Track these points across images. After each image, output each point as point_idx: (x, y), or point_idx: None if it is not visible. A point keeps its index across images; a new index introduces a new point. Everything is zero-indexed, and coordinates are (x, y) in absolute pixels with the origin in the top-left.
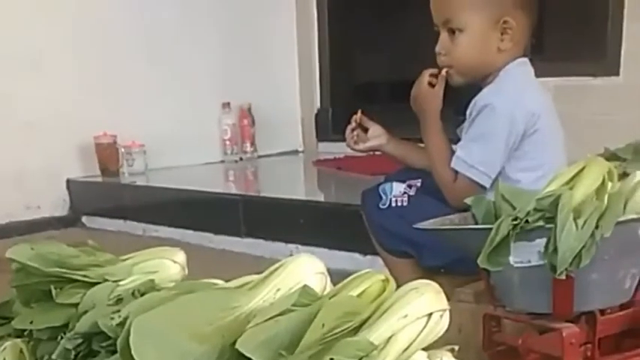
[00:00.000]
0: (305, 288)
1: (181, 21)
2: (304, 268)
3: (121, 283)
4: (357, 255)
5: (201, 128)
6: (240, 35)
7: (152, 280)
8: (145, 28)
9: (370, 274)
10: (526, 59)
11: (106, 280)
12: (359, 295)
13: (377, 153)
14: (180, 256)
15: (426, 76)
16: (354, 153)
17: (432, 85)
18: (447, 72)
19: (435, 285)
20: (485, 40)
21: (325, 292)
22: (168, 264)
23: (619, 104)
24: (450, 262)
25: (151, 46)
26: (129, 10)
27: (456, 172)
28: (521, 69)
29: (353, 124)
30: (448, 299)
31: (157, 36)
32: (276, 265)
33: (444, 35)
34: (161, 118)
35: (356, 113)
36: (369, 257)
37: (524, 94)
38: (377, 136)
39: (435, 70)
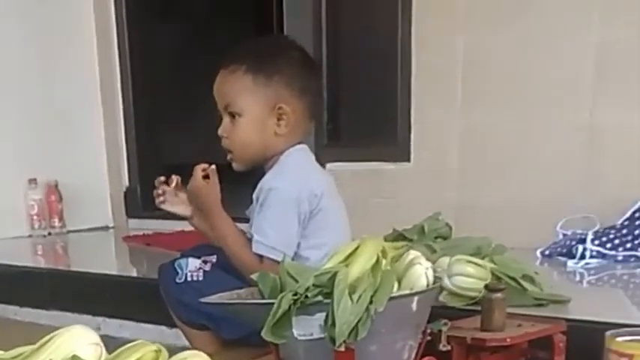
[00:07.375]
0: (74, 358)
1: None
2: (78, 339)
3: None
4: (163, 327)
5: (8, 203)
6: (46, 114)
7: None
8: None
9: (143, 344)
10: (305, 146)
11: None
12: None
13: (185, 229)
14: None
15: (199, 172)
16: (163, 229)
17: (206, 178)
18: (230, 158)
19: (203, 355)
20: (263, 124)
21: None
22: None
23: (410, 188)
24: (246, 335)
25: None
26: None
27: (261, 256)
28: (302, 154)
29: (165, 187)
30: None
31: None
32: (50, 335)
33: (225, 119)
34: None
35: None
36: (175, 330)
37: (307, 177)
38: (185, 203)
39: (205, 165)
